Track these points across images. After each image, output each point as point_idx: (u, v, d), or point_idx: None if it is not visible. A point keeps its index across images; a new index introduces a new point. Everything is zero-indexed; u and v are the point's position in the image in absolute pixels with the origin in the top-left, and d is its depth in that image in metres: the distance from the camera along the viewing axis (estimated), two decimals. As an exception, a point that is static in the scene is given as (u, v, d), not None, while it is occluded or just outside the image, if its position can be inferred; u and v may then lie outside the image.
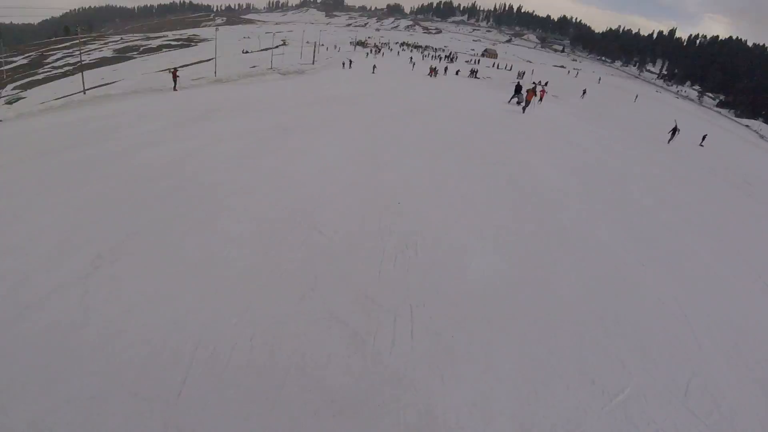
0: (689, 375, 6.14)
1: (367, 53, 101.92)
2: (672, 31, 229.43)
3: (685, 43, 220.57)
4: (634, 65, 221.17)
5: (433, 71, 57.91)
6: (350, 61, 65.20)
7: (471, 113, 26.88)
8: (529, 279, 7.80)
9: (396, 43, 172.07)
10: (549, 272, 8.16)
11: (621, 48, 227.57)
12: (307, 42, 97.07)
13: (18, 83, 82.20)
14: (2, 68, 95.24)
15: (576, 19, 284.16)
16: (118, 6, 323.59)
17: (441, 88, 42.31)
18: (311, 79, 42.84)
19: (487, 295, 7.14)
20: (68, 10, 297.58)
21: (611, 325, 6.88)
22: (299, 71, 48.60)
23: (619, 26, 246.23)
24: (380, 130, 18.33)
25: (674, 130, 33.51)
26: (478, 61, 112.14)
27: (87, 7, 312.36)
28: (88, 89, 33.06)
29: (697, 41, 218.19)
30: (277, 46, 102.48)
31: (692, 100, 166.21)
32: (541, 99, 38.54)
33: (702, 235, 12.62)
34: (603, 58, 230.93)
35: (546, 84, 61.03)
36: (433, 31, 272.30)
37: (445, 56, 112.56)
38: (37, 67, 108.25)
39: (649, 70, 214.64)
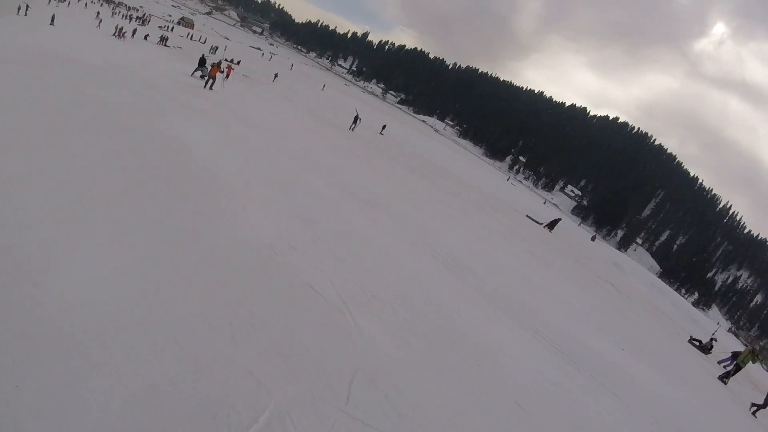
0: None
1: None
2: (365, 34, 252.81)
3: (375, 47, 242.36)
4: (328, 58, 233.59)
5: (120, 32, 50.60)
6: (27, 6, 53.93)
7: (146, 82, 22.68)
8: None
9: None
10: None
11: (318, 40, 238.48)
12: None
13: None
14: None
15: (279, 5, 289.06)
16: None
17: (122, 52, 36.90)
18: None
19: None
20: None
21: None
22: None
23: (319, 20, 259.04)
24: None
25: (356, 119, 33.95)
26: (172, 29, 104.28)
27: None
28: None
29: (386, 47, 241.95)
30: None
31: (377, 95, 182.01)
32: (227, 76, 36.83)
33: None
34: (299, 47, 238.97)
35: (238, 63, 58.36)
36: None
37: (137, 17, 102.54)
38: None
39: (340, 65, 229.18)
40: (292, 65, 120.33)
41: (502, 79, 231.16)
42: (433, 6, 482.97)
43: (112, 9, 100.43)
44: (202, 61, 28.56)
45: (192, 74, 28.35)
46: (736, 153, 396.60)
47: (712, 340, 25.42)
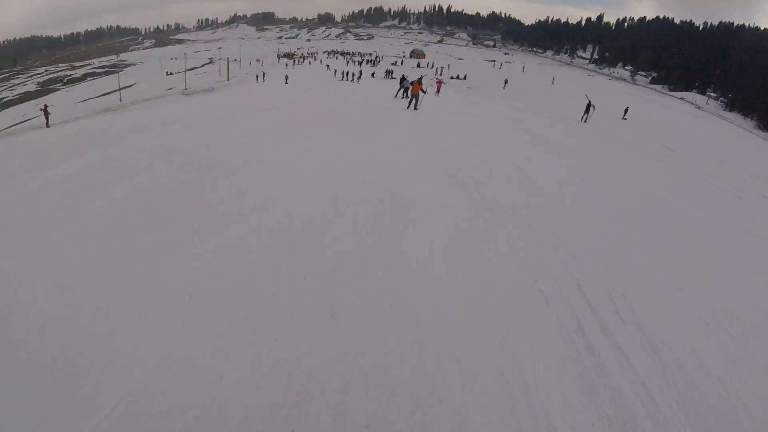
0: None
1: (286, 64, 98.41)
2: (600, 17, 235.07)
3: (613, 27, 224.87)
4: (566, 53, 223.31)
5: (345, 75, 54.94)
6: (264, 74, 63.35)
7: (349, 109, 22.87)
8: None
9: (324, 52, 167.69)
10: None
11: (551, 38, 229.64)
12: (226, 58, 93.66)
13: None
14: None
15: (505, 14, 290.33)
16: (44, 36, 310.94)
17: (343, 89, 38.93)
18: (217, 96, 39.22)
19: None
20: None
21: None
22: (209, 89, 45.71)
23: (548, 17, 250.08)
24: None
25: (588, 107, 29.98)
26: (402, 62, 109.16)
27: (12, 39, 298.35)
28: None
29: (625, 24, 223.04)
30: (203, 65, 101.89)
31: (625, 80, 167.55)
32: (438, 90, 38.88)
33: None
34: (534, 49, 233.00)
35: (464, 77, 58.65)
36: (365, 38, 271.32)
37: (367, 60, 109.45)
38: None
39: (580, 57, 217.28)
40: (524, 67, 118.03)
41: (763, 28, 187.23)
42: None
43: (348, 59, 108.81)
44: (402, 81, 28.63)
45: (396, 95, 28.41)
46: None
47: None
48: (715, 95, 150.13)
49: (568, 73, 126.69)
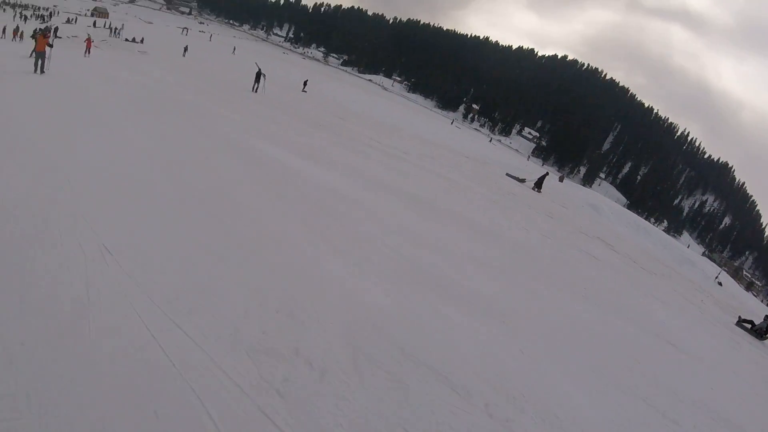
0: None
1: None
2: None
3: (310, 10, 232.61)
4: (262, 29, 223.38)
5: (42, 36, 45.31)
6: None
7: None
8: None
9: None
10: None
11: (250, 12, 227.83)
12: None
13: None
14: None
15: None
16: None
17: None
18: None
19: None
20: None
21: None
22: None
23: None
24: None
25: (258, 76, 27.58)
26: (75, 20, 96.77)
27: None
28: None
29: (322, 9, 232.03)
30: None
31: (318, 60, 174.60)
32: (88, 50, 33.49)
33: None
34: (232, 21, 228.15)
35: (141, 41, 53.30)
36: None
37: (40, 16, 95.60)
38: None
39: (276, 34, 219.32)
40: (211, 36, 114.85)
41: (445, 29, 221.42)
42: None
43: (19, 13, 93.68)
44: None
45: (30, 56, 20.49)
46: (683, 79, 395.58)
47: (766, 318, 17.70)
48: (399, 79, 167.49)
49: (263, 49, 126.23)
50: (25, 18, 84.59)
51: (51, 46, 17.79)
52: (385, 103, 63.44)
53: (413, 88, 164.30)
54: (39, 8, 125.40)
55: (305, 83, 40.93)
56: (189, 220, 5.89)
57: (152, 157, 8.24)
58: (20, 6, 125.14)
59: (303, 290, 5.05)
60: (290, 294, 4.87)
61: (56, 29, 54.94)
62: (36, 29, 18.87)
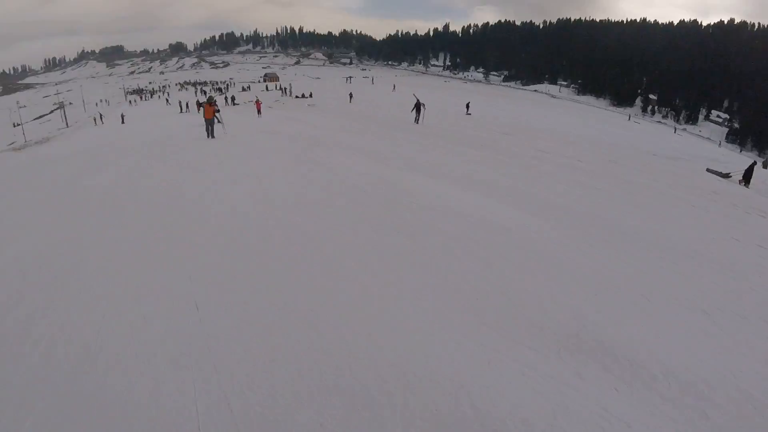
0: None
1: (130, 102, 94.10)
2: (446, 26, 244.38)
3: (460, 35, 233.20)
4: (420, 63, 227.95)
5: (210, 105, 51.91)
6: (101, 116, 59.54)
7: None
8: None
9: (177, 84, 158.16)
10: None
11: (404, 50, 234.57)
12: (60, 103, 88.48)
13: None
14: None
15: (357, 31, 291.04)
16: None
17: (165, 122, 35.06)
18: (50, 146, 34.76)
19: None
20: None
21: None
22: (44, 139, 42.44)
23: (398, 31, 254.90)
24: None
25: (418, 107, 26.88)
26: (248, 87, 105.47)
27: None
28: None
29: (471, 30, 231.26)
30: (51, 111, 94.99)
31: (480, 81, 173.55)
32: (258, 111, 37.18)
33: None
34: (390, 62, 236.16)
35: (310, 95, 56.68)
36: (221, 65, 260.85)
37: (217, 89, 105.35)
38: None
39: (434, 65, 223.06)
40: (373, 79, 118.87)
41: (599, 20, 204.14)
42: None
43: (200, 89, 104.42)
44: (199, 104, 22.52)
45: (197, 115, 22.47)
46: None
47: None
48: (565, 83, 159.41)
49: (423, 81, 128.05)
50: (204, 93, 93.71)
51: (218, 112, 18.81)
52: (553, 111, 60.50)
53: (582, 90, 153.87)
54: (216, 83, 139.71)
55: (468, 106, 40.17)
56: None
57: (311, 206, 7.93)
58: (200, 83, 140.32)
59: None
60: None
61: (233, 98, 60.52)
62: (197, 101, 20.44)
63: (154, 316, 4.38)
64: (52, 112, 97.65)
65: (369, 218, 7.20)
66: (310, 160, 12.64)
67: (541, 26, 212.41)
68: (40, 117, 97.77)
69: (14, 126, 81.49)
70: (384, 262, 5.56)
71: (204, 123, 19.03)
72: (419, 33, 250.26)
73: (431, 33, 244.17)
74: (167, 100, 75.62)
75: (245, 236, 6.40)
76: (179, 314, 4.40)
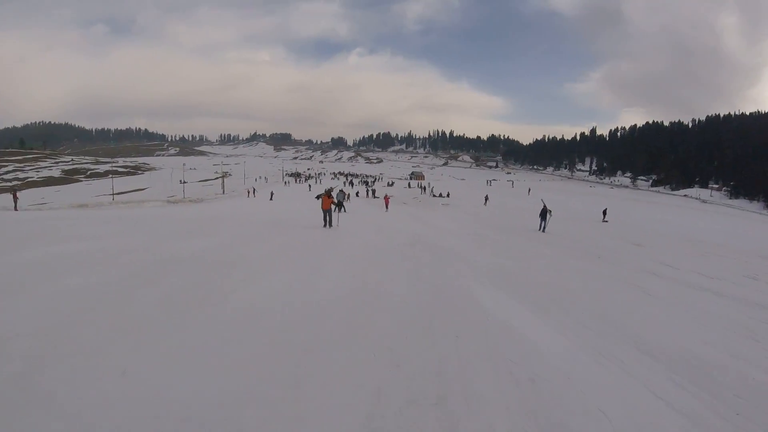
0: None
1: (285, 182, 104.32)
2: (593, 130, 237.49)
3: (607, 138, 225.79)
4: (565, 167, 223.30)
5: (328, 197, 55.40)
6: (254, 190, 67.82)
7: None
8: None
9: (332, 173, 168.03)
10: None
11: (549, 154, 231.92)
12: (223, 173, 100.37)
13: None
14: None
15: (504, 135, 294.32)
16: (77, 126, 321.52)
17: (303, 204, 37.22)
18: (197, 206, 41.47)
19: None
20: (30, 122, 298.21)
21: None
22: (197, 200, 48.56)
23: (544, 136, 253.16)
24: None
25: (543, 212, 25.54)
26: (392, 183, 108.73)
27: (48, 122, 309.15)
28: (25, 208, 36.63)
29: (618, 133, 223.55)
30: (216, 177, 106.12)
31: (627, 186, 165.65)
32: (386, 206, 38.37)
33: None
34: (535, 166, 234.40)
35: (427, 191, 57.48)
36: (375, 161, 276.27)
37: (362, 181, 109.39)
38: None
39: (579, 170, 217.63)
40: (513, 183, 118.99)
41: (748, 113, 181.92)
42: (639, 72, 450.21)
43: (349, 180, 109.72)
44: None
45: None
46: None
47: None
48: (716, 186, 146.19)
49: (567, 186, 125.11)
50: (352, 183, 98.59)
51: (336, 203, 19.78)
52: (698, 218, 55.63)
53: (734, 193, 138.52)
54: (366, 175, 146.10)
55: (605, 212, 38.05)
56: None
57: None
58: (351, 174, 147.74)
59: None
60: None
61: (374, 191, 62.86)
62: (318, 194, 21.02)
63: None
64: (215, 178, 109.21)
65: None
66: (402, 261, 12.37)
67: (690, 125, 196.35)
68: (205, 180, 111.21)
69: (180, 182, 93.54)
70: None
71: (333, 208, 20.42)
72: (565, 137, 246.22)
73: (578, 137, 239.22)
74: (309, 186, 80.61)
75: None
76: None
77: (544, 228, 25.35)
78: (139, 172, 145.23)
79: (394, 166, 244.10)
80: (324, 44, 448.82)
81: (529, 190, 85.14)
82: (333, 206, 20.09)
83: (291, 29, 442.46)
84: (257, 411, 4.22)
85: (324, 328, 6.39)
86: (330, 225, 19.56)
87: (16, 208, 32.66)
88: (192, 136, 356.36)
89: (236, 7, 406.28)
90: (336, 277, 9.71)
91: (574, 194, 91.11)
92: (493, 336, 6.47)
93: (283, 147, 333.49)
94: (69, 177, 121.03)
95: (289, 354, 5.46)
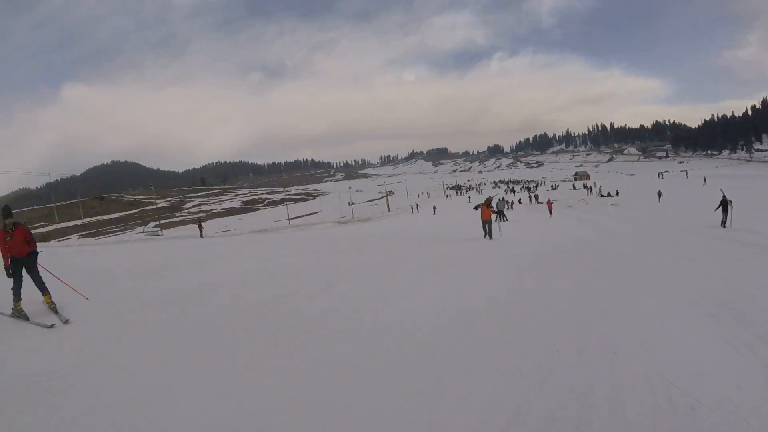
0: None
1: (447, 195, 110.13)
2: (764, 101, 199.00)
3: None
4: (742, 149, 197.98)
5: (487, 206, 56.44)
6: (417, 206, 69.51)
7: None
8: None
9: (492, 182, 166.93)
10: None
11: (723, 135, 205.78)
12: (386, 192, 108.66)
13: (158, 222, 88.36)
14: (150, 207, 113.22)
15: (670, 121, 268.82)
16: (250, 162, 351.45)
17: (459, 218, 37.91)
18: (365, 224, 44.35)
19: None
20: (208, 163, 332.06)
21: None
22: (365, 219, 52.48)
23: (713, 115, 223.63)
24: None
25: (724, 204, 22.68)
26: (556, 187, 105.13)
27: (224, 162, 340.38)
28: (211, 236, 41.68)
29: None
30: (381, 197, 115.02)
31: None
32: (550, 211, 38.16)
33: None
34: (709, 151, 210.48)
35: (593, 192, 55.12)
36: (534, 165, 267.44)
37: (523, 187, 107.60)
38: (176, 211, 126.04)
39: (759, 149, 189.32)
40: (687, 173, 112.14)
41: None
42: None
43: (510, 188, 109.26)
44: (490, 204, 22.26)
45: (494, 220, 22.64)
46: None
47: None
48: None
49: (747, 171, 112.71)
50: (513, 190, 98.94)
51: (497, 213, 19.51)
52: None
53: None
54: (528, 181, 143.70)
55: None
56: None
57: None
58: (512, 182, 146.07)
59: None
60: None
61: (537, 197, 61.72)
62: (477, 204, 20.68)
63: None
64: (380, 198, 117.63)
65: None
66: (563, 270, 11.86)
67: None
68: (370, 201, 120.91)
69: (349, 204, 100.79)
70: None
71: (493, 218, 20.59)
72: (736, 114, 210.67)
73: (749, 111, 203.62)
74: (469, 197, 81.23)
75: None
76: None
77: (727, 222, 22.79)
78: (311, 197, 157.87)
79: (556, 168, 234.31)
80: (464, 55, 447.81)
81: (705, 179, 77.18)
82: (494, 216, 20.07)
83: (429, 46, 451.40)
84: (394, 418, 4.49)
85: (471, 340, 6.48)
86: (491, 236, 19.36)
87: (201, 236, 37.26)
88: (354, 160, 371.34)
89: (374, 35, 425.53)
90: (491, 287, 9.77)
91: (758, 179, 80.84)
92: (657, 354, 5.87)
93: (440, 161, 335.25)
94: (248, 206, 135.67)
95: (432, 364, 5.66)
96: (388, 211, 69.62)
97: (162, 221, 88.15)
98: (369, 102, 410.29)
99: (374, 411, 4.64)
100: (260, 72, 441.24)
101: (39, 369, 5.75)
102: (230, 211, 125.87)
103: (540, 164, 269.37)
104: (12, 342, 7.06)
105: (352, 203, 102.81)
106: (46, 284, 8.34)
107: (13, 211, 8.17)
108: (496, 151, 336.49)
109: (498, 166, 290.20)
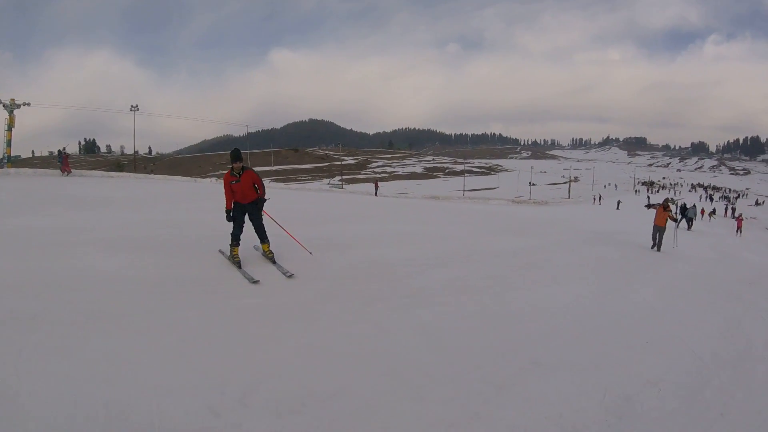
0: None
1: (636, 191, 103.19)
2: None
3: None
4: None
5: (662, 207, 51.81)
6: (600, 197, 65.90)
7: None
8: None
9: (690, 184, 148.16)
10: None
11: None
12: (569, 179, 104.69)
13: (343, 177, 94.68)
14: (337, 163, 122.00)
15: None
16: (438, 131, 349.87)
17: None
18: (541, 208, 43.26)
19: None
20: (398, 128, 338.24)
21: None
22: (542, 202, 50.84)
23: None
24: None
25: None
26: (762, 202, 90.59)
27: (413, 128, 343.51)
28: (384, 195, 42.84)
29: None
30: (565, 182, 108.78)
31: None
32: (738, 229, 31.43)
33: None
34: None
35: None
36: (741, 172, 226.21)
37: (722, 196, 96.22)
38: (361, 169, 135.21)
39: None
40: None
41: None
42: None
43: (708, 194, 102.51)
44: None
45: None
46: None
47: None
48: None
49: None
50: (711, 198, 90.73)
51: (674, 220, 16.03)
52: None
53: None
54: (729, 190, 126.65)
55: None
56: None
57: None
58: (712, 187, 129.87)
59: None
60: None
61: (733, 208, 54.86)
62: (652, 203, 18.41)
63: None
64: (564, 183, 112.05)
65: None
66: (723, 303, 9.36)
67: None
68: (553, 184, 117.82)
69: (530, 184, 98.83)
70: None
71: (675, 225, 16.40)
72: None
73: None
74: (618, 202, 69.35)
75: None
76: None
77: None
78: (492, 172, 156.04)
79: (764, 179, 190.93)
80: (674, 35, 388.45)
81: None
82: (673, 223, 16.46)
83: (637, 23, 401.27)
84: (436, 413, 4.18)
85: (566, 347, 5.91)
86: (659, 248, 15.33)
87: (376, 194, 39.14)
88: (544, 140, 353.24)
89: (579, 9, 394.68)
90: (636, 300, 8.51)
91: None
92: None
93: (637, 152, 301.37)
94: (429, 173, 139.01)
95: (516, 363, 5.32)
96: (569, 197, 66.35)
97: (346, 177, 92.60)
98: (566, 80, 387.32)
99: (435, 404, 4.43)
100: (457, 43, 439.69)
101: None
102: (411, 176, 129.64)
103: (747, 172, 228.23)
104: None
105: (533, 184, 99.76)
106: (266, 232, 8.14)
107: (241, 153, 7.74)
108: (699, 149, 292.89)
109: (700, 167, 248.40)
